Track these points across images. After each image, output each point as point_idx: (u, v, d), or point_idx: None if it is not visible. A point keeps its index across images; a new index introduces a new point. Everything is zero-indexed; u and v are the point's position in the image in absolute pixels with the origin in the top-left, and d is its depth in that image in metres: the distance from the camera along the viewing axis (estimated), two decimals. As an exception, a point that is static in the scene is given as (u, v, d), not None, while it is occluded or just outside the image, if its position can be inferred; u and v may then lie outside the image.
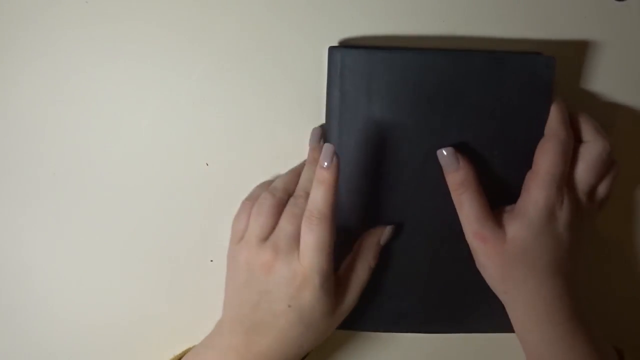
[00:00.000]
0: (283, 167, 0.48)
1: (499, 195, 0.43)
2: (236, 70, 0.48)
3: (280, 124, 0.48)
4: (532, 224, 0.41)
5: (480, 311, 0.46)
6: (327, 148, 0.40)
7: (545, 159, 0.41)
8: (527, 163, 0.43)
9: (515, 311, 0.43)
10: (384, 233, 0.44)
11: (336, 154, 0.40)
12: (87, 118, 0.48)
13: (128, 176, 0.49)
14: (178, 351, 0.49)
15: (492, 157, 0.43)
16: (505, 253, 0.41)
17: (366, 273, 0.44)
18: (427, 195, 0.44)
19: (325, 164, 0.40)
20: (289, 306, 0.41)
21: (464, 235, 0.43)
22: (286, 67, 0.47)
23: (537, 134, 0.43)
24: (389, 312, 0.46)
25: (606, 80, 0.48)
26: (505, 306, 0.43)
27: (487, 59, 0.42)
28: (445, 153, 0.42)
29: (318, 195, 0.40)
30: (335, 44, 0.46)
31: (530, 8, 0.47)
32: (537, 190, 0.41)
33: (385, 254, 0.45)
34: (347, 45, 0.45)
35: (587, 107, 0.48)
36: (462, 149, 0.42)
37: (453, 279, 0.45)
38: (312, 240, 0.40)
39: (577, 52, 0.47)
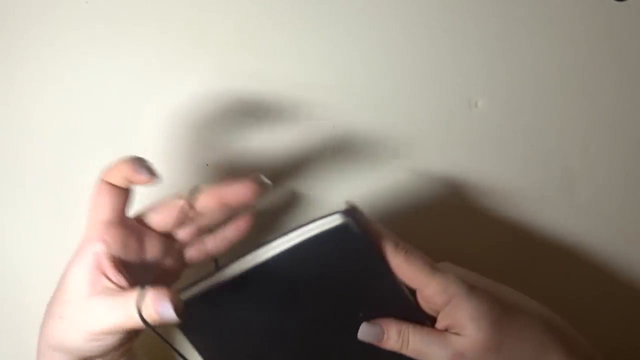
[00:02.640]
0: (283, 167, 0.48)
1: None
2: (236, 70, 0.48)
3: (280, 123, 0.48)
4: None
5: None
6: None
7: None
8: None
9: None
10: (164, 305, 0.35)
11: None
12: (87, 118, 0.48)
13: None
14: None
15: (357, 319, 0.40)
16: (487, 347, 0.39)
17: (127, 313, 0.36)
18: None
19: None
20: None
21: None
22: (287, 66, 0.47)
23: (385, 283, 0.40)
24: None
25: (606, 80, 0.48)
26: None
27: (288, 257, 0.37)
28: (365, 331, 0.40)
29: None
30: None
31: (529, 8, 0.47)
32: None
33: None
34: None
35: (587, 106, 0.48)
36: (333, 328, 0.40)
37: None
38: None
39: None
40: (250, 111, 0.48)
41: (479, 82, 0.49)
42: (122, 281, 0.37)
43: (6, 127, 0.48)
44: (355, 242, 0.38)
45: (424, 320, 0.41)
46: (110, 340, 0.37)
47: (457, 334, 0.39)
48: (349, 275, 0.39)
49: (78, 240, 0.49)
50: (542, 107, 0.49)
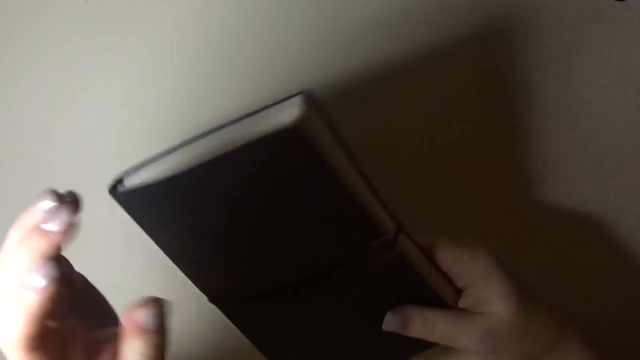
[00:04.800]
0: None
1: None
2: (237, 70, 0.48)
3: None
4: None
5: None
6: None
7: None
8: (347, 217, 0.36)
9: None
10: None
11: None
12: (87, 118, 0.48)
13: (128, 176, 0.49)
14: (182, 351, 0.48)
15: (316, 228, 0.36)
16: (515, 326, 0.39)
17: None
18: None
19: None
20: None
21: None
22: (287, 66, 0.47)
23: (342, 194, 0.34)
24: None
25: (606, 80, 0.48)
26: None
27: (230, 162, 0.32)
28: (391, 323, 0.39)
29: None
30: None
31: (528, 7, 0.47)
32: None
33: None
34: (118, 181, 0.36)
35: (587, 107, 0.48)
36: (283, 230, 0.36)
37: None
38: None
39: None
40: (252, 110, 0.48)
41: None
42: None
43: (6, 127, 0.48)
44: (303, 150, 0.31)
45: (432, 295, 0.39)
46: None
47: (480, 313, 0.38)
48: (286, 182, 0.33)
49: (77, 240, 0.49)
50: None
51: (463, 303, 0.39)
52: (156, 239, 0.37)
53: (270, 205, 0.35)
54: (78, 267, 0.50)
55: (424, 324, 0.38)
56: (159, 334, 0.31)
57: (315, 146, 0.31)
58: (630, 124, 0.49)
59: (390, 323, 0.39)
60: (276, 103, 0.32)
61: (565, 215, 0.50)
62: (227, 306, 0.40)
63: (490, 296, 0.38)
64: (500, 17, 0.48)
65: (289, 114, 0.30)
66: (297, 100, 0.31)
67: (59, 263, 0.29)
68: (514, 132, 0.50)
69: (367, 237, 0.36)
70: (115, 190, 0.35)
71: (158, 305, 0.31)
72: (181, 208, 0.35)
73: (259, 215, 0.35)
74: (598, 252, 0.50)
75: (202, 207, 0.35)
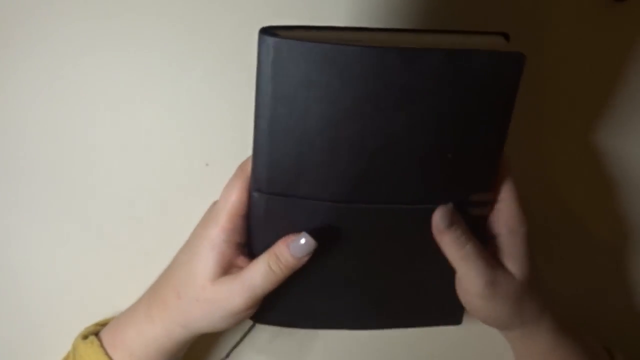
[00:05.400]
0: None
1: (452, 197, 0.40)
2: (236, 70, 0.47)
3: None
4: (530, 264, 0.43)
5: (415, 307, 0.46)
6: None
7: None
8: (482, 166, 0.40)
9: (537, 337, 0.45)
10: (294, 241, 0.40)
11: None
12: (87, 118, 0.48)
13: (128, 176, 0.49)
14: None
15: (445, 159, 0.39)
16: (517, 291, 0.42)
17: (262, 277, 0.40)
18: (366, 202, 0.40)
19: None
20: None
21: (403, 235, 0.42)
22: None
23: (496, 136, 0.39)
24: (320, 311, 0.45)
25: (606, 80, 0.48)
26: (517, 339, 0.46)
27: (444, 58, 0.35)
28: (442, 214, 0.40)
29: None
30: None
31: (528, 7, 0.47)
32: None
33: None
34: (280, 29, 0.36)
35: (586, 107, 0.48)
36: (413, 152, 0.38)
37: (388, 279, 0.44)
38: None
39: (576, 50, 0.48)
40: (250, 111, 0.48)
41: None
42: (246, 262, 0.42)
43: (6, 127, 0.48)
44: (508, 78, 0.37)
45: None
46: (245, 317, 0.42)
47: (500, 263, 0.42)
48: (469, 106, 0.37)
49: (77, 240, 0.49)
50: None
51: (492, 247, 0.43)
52: (270, 102, 0.37)
53: (420, 116, 0.37)
54: (86, 266, 0.50)
55: (463, 234, 0.40)
56: (296, 261, 0.40)
57: (520, 78, 0.37)
58: (629, 124, 0.49)
59: (439, 214, 0.40)
60: (475, 32, 0.37)
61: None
62: (275, 202, 0.40)
63: (511, 253, 0.42)
64: (496, 20, 0.48)
65: (501, 42, 0.37)
66: (501, 38, 0.37)
67: None
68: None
69: (475, 187, 0.40)
70: (270, 34, 0.35)
71: (309, 243, 0.40)
72: (324, 83, 0.35)
73: (395, 122, 0.37)
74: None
75: (347, 89, 0.36)
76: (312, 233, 0.40)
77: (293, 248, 0.40)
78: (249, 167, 0.41)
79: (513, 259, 0.42)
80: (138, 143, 0.48)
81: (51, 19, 0.46)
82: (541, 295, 0.44)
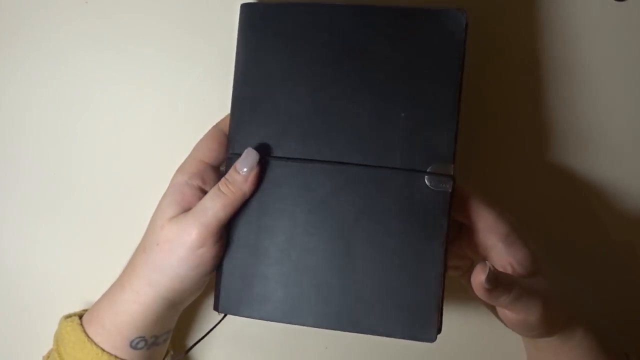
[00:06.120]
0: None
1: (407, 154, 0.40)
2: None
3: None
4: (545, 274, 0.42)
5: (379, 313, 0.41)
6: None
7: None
8: (434, 122, 0.40)
9: (572, 341, 0.43)
10: (242, 156, 0.40)
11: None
12: (87, 118, 0.48)
13: (128, 176, 0.49)
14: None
15: (400, 119, 0.40)
16: (548, 290, 0.41)
17: (212, 200, 0.40)
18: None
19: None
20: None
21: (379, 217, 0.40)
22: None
23: (446, 92, 0.40)
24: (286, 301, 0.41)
25: (606, 80, 0.48)
26: (552, 345, 0.44)
27: (394, 14, 0.40)
28: (484, 282, 0.37)
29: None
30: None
31: (527, 7, 0.47)
32: (527, 247, 0.41)
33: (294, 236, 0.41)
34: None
35: (586, 107, 0.48)
36: (370, 110, 0.40)
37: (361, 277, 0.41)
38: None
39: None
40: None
41: None
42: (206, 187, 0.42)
43: (6, 127, 0.48)
44: (453, 34, 0.39)
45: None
46: (206, 261, 0.40)
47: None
48: (419, 63, 0.40)
49: (77, 240, 0.49)
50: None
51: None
52: (245, 63, 0.41)
53: (377, 72, 0.40)
54: (86, 265, 0.50)
55: (510, 292, 0.38)
56: (242, 179, 0.40)
57: (465, 37, 0.39)
58: (631, 123, 0.49)
59: (483, 276, 0.37)
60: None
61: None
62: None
63: (517, 261, 0.40)
64: (497, 19, 0.48)
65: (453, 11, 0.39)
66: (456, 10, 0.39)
67: None
68: (509, 133, 0.50)
69: (434, 156, 0.40)
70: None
71: (251, 154, 0.40)
72: (296, 37, 0.40)
73: (352, 78, 0.40)
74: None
75: (313, 43, 0.40)
76: (275, 193, 0.41)
77: (238, 163, 0.40)
78: (222, 125, 0.43)
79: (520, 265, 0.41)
80: (138, 143, 0.48)
81: (51, 18, 0.46)
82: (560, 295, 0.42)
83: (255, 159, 0.40)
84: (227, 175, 0.41)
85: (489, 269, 0.37)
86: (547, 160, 0.50)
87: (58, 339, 0.44)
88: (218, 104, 0.48)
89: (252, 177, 0.40)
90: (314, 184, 0.41)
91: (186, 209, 0.41)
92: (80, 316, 0.45)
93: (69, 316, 0.46)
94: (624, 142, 0.49)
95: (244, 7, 0.41)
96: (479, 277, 0.37)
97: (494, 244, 0.41)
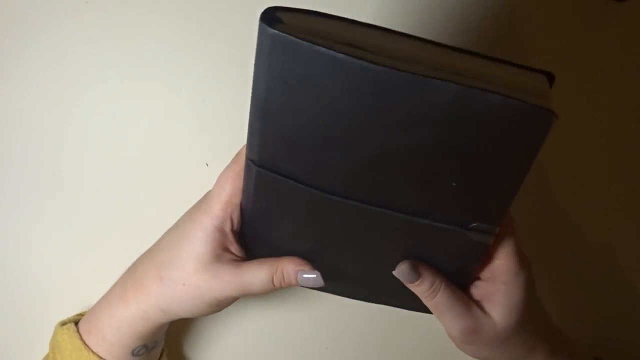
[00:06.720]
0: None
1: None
2: (237, 70, 0.47)
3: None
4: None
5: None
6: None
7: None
8: (490, 204, 0.36)
9: None
10: (306, 272, 0.40)
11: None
12: (87, 118, 0.48)
13: (128, 176, 0.49)
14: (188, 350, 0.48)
15: (449, 186, 0.35)
16: (499, 337, 0.40)
17: (261, 286, 0.40)
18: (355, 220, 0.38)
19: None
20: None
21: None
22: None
23: (508, 183, 0.35)
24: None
25: (606, 79, 0.48)
26: None
27: (458, 93, 0.31)
28: (402, 271, 0.39)
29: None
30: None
31: (527, 7, 0.47)
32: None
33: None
34: (286, 12, 0.32)
35: (586, 108, 0.48)
36: (414, 168, 0.35)
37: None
38: None
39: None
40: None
41: None
42: (242, 253, 0.41)
43: (6, 127, 0.48)
44: (532, 134, 0.32)
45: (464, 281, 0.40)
46: (225, 305, 0.42)
47: (482, 309, 0.40)
48: (479, 150, 0.33)
49: (78, 240, 0.49)
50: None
51: (474, 290, 0.40)
52: (266, 94, 0.33)
53: (424, 141, 0.33)
54: (86, 265, 0.50)
55: (429, 288, 0.39)
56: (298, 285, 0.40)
57: (544, 136, 0.32)
58: (628, 124, 0.49)
59: (400, 272, 0.39)
60: (519, 66, 0.34)
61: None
62: (268, 178, 0.37)
63: (498, 301, 0.40)
64: (497, 18, 0.48)
65: (540, 86, 0.33)
66: (544, 79, 0.34)
67: None
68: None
69: (479, 218, 0.37)
70: (269, 23, 0.30)
71: (318, 281, 0.40)
72: (322, 87, 0.32)
73: (397, 139, 0.33)
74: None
75: (348, 100, 0.32)
76: (300, 219, 0.39)
77: (301, 278, 0.40)
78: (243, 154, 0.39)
79: (498, 306, 0.40)
80: (138, 143, 0.48)
81: (51, 18, 0.46)
82: (535, 330, 0.42)
83: (319, 285, 0.40)
84: (286, 275, 0.40)
85: (411, 263, 0.38)
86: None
87: (54, 346, 0.44)
88: (218, 104, 0.48)
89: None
90: (341, 223, 0.38)
91: (218, 255, 0.40)
92: (76, 322, 0.45)
93: (64, 323, 0.45)
94: (625, 143, 0.49)
95: (274, 37, 0.30)
96: (401, 268, 0.38)
97: (498, 287, 0.40)
